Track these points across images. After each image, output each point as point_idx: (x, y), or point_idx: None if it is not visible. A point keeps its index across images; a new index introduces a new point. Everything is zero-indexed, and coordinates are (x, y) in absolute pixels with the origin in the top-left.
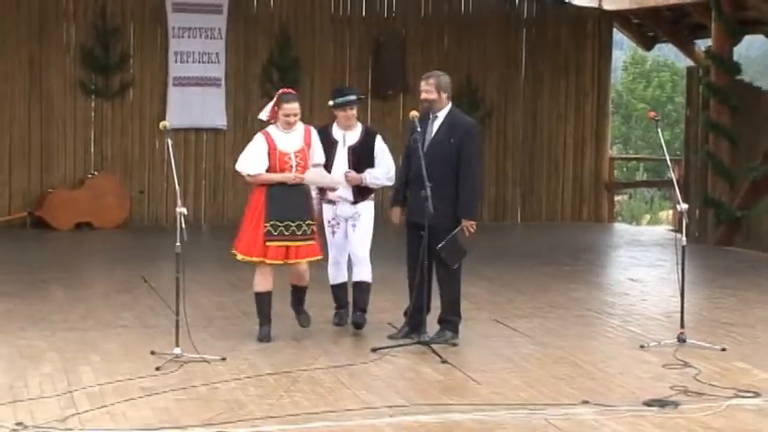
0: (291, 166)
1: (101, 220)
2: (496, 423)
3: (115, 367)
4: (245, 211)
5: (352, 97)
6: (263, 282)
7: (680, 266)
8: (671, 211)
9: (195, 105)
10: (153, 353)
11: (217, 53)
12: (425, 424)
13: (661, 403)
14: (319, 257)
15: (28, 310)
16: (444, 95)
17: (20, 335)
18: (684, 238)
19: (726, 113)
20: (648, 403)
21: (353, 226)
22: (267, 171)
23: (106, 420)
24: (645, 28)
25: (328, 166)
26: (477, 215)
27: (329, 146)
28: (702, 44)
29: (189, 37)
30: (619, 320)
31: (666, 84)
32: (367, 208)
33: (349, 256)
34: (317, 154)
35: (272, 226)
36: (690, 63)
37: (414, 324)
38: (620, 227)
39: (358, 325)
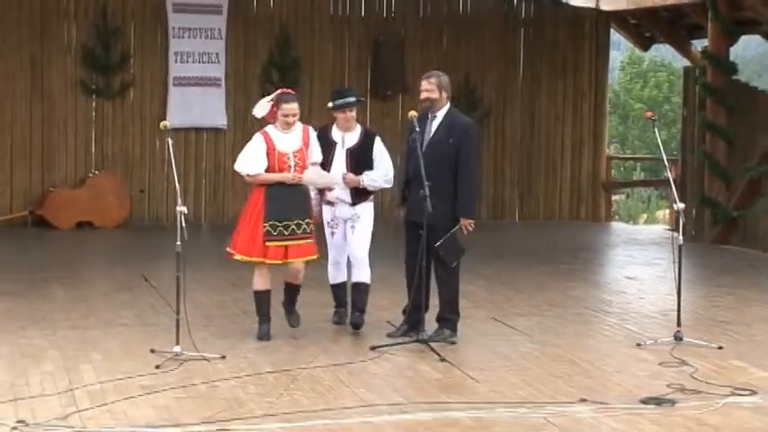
0: (290, 166)
1: (101, 220)
2: (494, 421)
3: (116, 365)
4: (243, 210)
5: (352, 99)
6: (261, 281)
7: (677, 265)
8: (668, 211)
9: (195, 105)
10: (153, 351)
11: (217, 53)
12: (424, 422)
13: (658, 401)
14: (315, 257)
15: (29, 308)
16: (445, 95)
17: (21, 333)
18: (681, 237)
19: (722, 113)
20: (645, 401)
21: (352, 227)
22: (266, 171)
23: (107, 418)
24: (642, 28)
25: (327, 168)
26: (476, 214)
27: (328, 147)
28: (699, 44)
29: (189, 37)
30: (616, 319)
31: (663, 84)
32: (366, 209)
33: (348, 256)
34: (315, 153)
35: (270, 226)
36: (687, 63)
37: (412, 322)
38: (618, 226)
39: (356, 326)
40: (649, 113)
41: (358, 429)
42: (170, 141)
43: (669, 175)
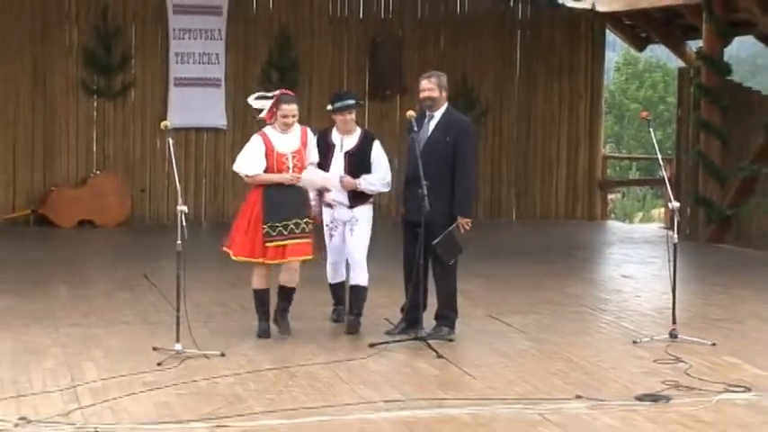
0: (288, 167)
1: (103, 218)
2: (491, 417)
3: (117, 363)
4: (241, 210)
5: (351, 102)
6: (260, 280)
7: (672, 263)
8: (663, 209)
9: (196, 105)
10: (154, 349)
11: (217, 54)
12: (422, 418)
13: (653, 398)
14: (310, 257)
15: (31, 306)
16: (444, 94)
17: (24, 331)
18: (676, 236)
19: (716, 113)
20: (640, 398)
21: (351, 230)
22: (265, 171)
23: (108, 415)
24: (637, 29)
25: (325, 170)
26: (473, 213)
27: (327, 150)
28: (694, 45)
29: (189, 38)
30: (612, 316)
31: (658, 84)
32: (364, 212)
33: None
34: (313, 154)
35: (270, 227)
36: (681, 64)
37: (410, 320)
38: (613, 224)
39: (352, 329)
40: (645, 113)
41: (356, 426)
42: (170, 141)
43: (664, 174)
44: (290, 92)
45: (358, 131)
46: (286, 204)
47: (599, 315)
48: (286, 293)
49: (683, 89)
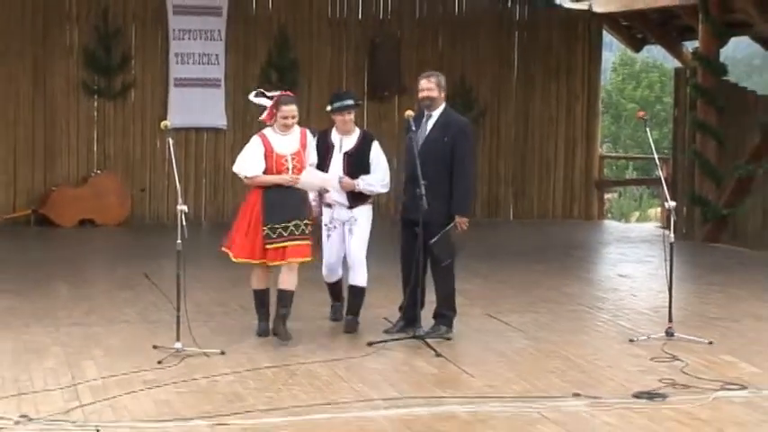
0: (288, 168)
1: (103, 218)
2: (489, 415)
3: (118, 361)
4: (241, 211)
5: (350, 102)
6: (260, 280)
7: (668, 263)
8: (659, 209)
9: (195, 105)
10: (155, 347)
11: (216, 54)
12: (420, 416)
13: (650, 395)
14: (310, 259)
15: (32, 305)
16: (443, 94)
17: (25, 330)
18: (672, 235)
19: (712, 113)
20: (637, 395)
21: (350, 231)
22: (264, 173)
23: (109, 413)
24: (634, 30)
25: (324, 171)
26: (471, 212)
27: (326, 150)
28: (690, 46)
29: (189, 39)
30: (609, 315)
31: (655, 84)
32: (364, 213)
33: (345, 257)
34: (312, 156)
35: (270, 229)
36: (678, 64)
37: (409, 319)
38: (610, 224)
39: (350, 329)
40: (641, 113)
41: (355, 423)
42: (170, 141)
43: (660, 173)
44: (289, 93)
45: (357, 132)
46: (286, 206)
47: (596, 314)
48: (285, 297)
49: (679, 89)
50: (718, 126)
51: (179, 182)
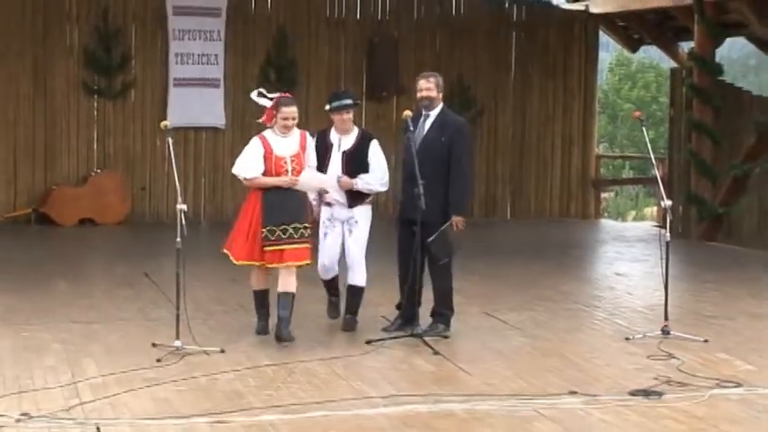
0: (287, 170)
1: (103, 217)
2: (486, 412)
3: (118, 359)
4: (241, 212)
5: (348, 101)
6: (260, 281)
7: (664, 261)
8: (655, 208)
9: (195, 105)
10: (154, 345)
11: (216, 54)
12: (418, 413)
13: (645, 393)
14: (309, 262)
15: (33, 304)
16: (441, 94)
17: (25, 328)
18: (668, 234)
19: (708, 113)
20: (633, 393)
21: (350, 231)
22: (263, 175)
23: (109, 410)
24: (630, 30)
25: (323, 171)
26: (468, 212)
27: (325, 149)
28: (686, 46)
29: (189, 39)
30: (605, 313)
31: (651, 84)
32: (363, 213)
33: (343, 257)
34: (312, 158)
35: (269, 231)
36: (673, 64)
37: (407, 317)
38: (607, 223)
39: (348, 327)
40: (637, 113)
41: (354, 421)
42: (170, 140)
43: (657, 173)
44: (289, 94)
45: (356, 131)
46: (284, 208)
47: (593, 312)
48: (285, 300)
49: (675, 89)
50: (714, 126)
51: (178, 181)
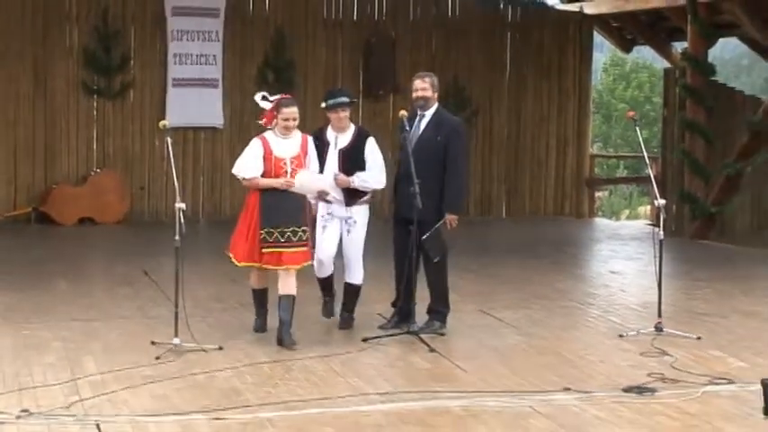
0: (287, 172)
1: (103, 216)
2: (482, 409)
3: (117, 356)
4: (242, 215)
5: (344, 99)
6: (259, 280)
7: (657, 259)
8: (649, 207)
9: (193, 105)
10: (153, 343)
11: (214, 55)
12: (415, 410)
13: (639, 390)
14: (309, 263)
15: (33, 302)
16: (436, 94)
17: (25, 326)
18: (662, 232)
19: (701, 113)
20: (627, 390)
21: (348, 231)
22: (263, 175)
23: (108, 407)
24: (624, 31)
25: (320, 168)
26: (463, 210)
27: (322, 147)
28: (679, 46)
29: (187, 39)
30: (599, 311)
31: (645, 84)
32: (361, 212)
33: (340, 256)
34: (312, 164)
35: (266, 233)
36: (667, 65)
37: (403, 314)
38: (601, 221)
39: (345, 325)
40: (631, 113)
41: (351, 417)
42: (169, 140)
43: (650, 172)
44: (289, 95)
45: (352, 129)
46: (282, 210)
47: (587, 310)
48: (286, 303)
49: (668, 89)
50: (707, 125)
51: (177, 180)
